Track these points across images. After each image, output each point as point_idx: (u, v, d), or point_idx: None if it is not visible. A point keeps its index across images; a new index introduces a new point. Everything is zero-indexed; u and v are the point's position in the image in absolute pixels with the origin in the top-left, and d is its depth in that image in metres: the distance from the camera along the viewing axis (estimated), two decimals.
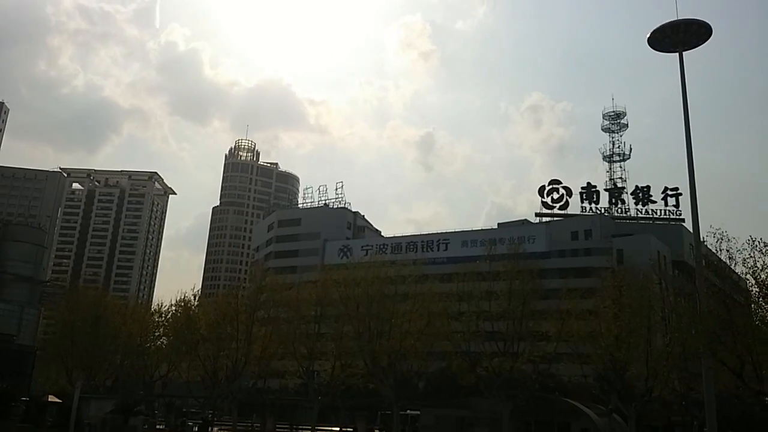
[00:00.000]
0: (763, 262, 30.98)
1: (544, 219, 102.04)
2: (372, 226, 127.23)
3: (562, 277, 62.02)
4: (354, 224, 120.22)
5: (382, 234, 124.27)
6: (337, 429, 56.41)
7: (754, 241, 31.45)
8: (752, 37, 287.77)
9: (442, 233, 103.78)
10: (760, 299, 31.90)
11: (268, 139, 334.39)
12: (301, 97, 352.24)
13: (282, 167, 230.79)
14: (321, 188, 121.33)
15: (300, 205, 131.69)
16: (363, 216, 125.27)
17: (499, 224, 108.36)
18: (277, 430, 57.23)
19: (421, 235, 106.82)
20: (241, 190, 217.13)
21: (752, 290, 33.51)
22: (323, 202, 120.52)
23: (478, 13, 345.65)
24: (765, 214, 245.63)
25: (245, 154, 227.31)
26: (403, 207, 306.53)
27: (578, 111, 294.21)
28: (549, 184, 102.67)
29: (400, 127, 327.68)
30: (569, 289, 44.72)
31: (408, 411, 55.48)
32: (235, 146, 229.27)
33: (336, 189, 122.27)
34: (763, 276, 30.96)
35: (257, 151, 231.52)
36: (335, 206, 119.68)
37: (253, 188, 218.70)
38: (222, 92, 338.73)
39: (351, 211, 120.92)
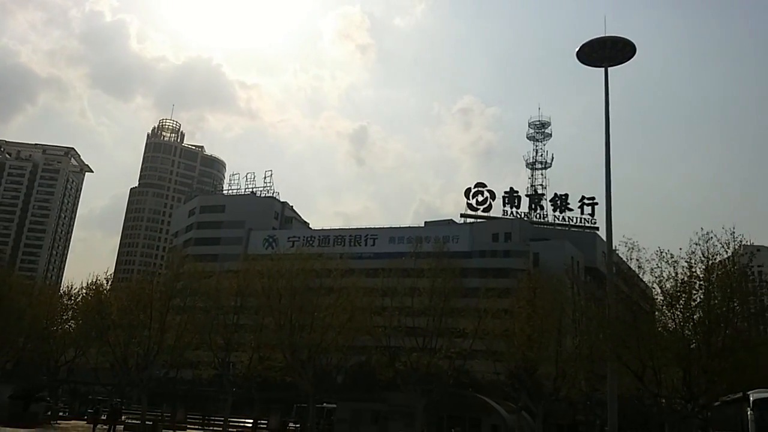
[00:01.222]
0: (669, 272, 32.94)
1: (469, 220, 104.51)
2: (300, 217, 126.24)
3: (482, 276, 63.56)
4: (281, 214, 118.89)
5: (310, 226, 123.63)
6: (251, 421, 55.76)
7: (662, 252, 33.38)
8: (674, 56, 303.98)
9: (370, 228, 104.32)
10: (664, 307, 33.90)
11: (193, 120, 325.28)
12: (231, 78, 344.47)
13: (208, 151, 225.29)
14: (248, 175, 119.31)
15: (225, 192, 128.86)
16: (291, 207, 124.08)
17: (426, 222, 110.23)
18: (189, 421, 56.08)
19: (349, 229, 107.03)
20: (162, 172, 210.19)
21: (657, 299, 35.62)
22: (250, 189, 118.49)
23: (417, 12, 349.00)
24: (676, 226, 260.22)
25: (169, 135, 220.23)
26: (332, 199, 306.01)
27: (507, 117, 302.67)
28: (475, 187, 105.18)
29: (334, 119, 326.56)
30: (488, 288, 46.02)
31: (324, 404, 55.57)
32: (158, 126, 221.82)
33: (264, 177, 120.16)
34: (668, 286, 32.90)
35: (182, 132, 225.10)
36: (262, 195, 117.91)
37: (176, 171, 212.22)
38: (147, 68, 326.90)
39: (279, 200, 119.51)
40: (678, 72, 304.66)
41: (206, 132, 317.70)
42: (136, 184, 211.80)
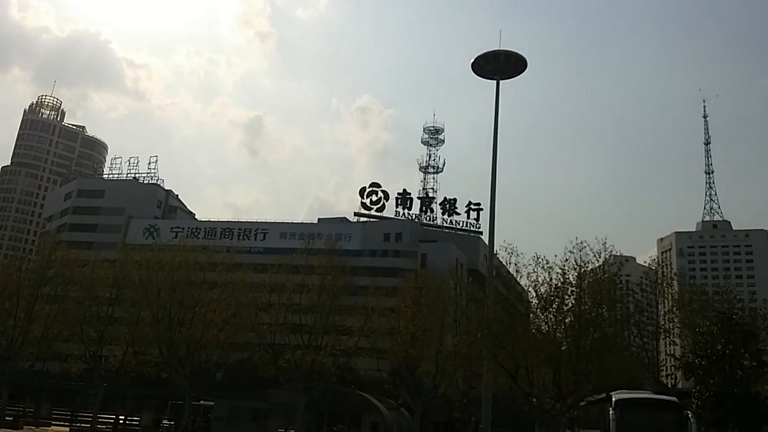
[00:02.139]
0: (544, 277, 34.67)
1: (362, 219, 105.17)
2: (185, 207, 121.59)
3: (372, 275, 64.29)
4: (165, 203, 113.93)
5: (196, 217, 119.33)
6: (122, 418, 53.08)
7: (538, 258, 35.08)
8: (561, 72, 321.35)
9: (261, 222, 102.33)
10: (538, 311, 35.65)
11: (75, 98, 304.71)
12: (119, 56, 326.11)
13: (89, 132, 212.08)
14: (132, 160, 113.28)
15: (105, 176, 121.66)
16: (176, 195, 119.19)
17: (319, 219, 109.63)
18: (55, 416, 52.65)
19: (238, 222, 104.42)
20: (38, 152, 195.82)
21: (533, 302, 37.40)
22: (132, 175, 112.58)
23: (320, 5, 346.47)
24: (554, 234, 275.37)
25: (48, 113, 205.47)
26: (222, 190, 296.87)
27: (404, 119, 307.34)
28: (370, 187, 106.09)
29: (227, 106, 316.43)
30: (376, 287, 46.47)
31: (201, 402, 53.90)
32: (37, 102, 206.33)
33: (149, 163, 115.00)
34: (542, 290, 34.63)
35: (62, 110, 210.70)
36: (146, 181, 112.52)
37: (53, 151, 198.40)
38: (27, 38, 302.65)
39: (163, 188, 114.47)
40: (564, 87, 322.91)
41: (89, 111, 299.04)
42: (8, 163, 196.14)
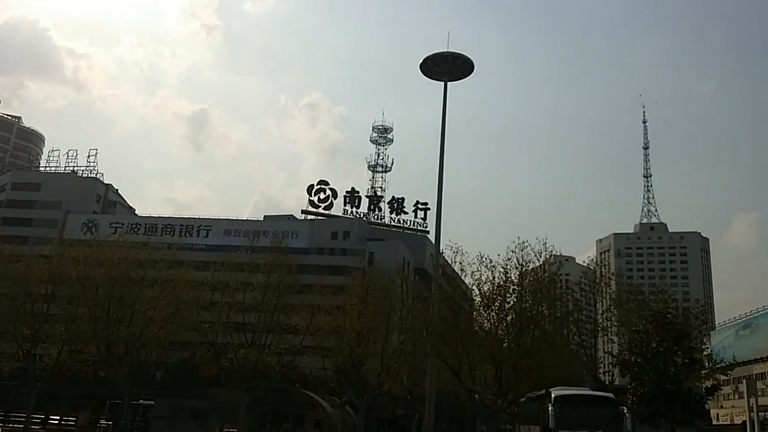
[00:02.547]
0: (487, 276, 35.22)
1: (310, 217, 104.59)
2: (125, 202, 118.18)
3: (319, 273, 64.01)
4: (104, 197, 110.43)
5: (137, 212, 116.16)
6: (57, 418, 51.35)
7: (482, 257, 35.60)
8: (511, 75, 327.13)
9: (204, 219, 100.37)
10: (481, 308, 36.18)
11: (11, 87, 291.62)
12: (58, 44, 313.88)
13: (26, 122, 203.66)
14: (70, 152, 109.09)
15: (42, 169, 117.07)
16: (116, 190, 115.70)
17: (265, 216, 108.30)
18: None
19: (181, 218, 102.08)
20: None
21: (476, 300, 37.96)
22: (71, 168, 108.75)
23: None
24: (497, 233, 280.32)
25: None
26: (164, 185, 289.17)
27: (353, 117, 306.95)
28: (318, 184, 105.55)
29: (171, 98, 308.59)
30: (323, 285, 46.28)
31: (141, 401, 52.60)
32: None
33: (88, 156, 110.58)
34: (485, 288, 35.13)
35: None
36: (84, 175, 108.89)
37: None
38: None
39: (103, 182, 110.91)
40: (512, 90, 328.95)
41: (25, 101, 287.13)
42: None
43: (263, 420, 55.92)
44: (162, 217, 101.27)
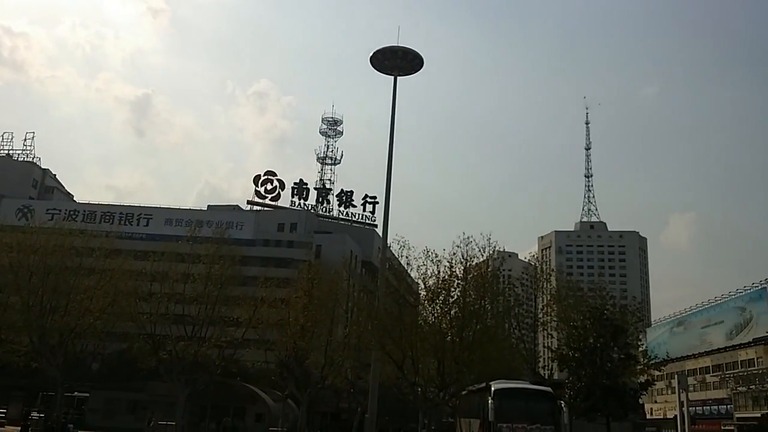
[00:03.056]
0: (433, 270, 35.51)
1: (256, 207, 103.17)
2: (63, 187, 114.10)
3: (263, 265, 63.24)
4: (41, 183, 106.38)
5: (75, 198, 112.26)
6: None
7: (428, 251, 35.87)
8: (462, 72, 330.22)
9: (145, 207, 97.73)
10: (426, 302, 36.47)
11: None
12: None
13: None
14: (5, 135, 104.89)
15: None
16: (54, 175, 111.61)
17: (209, 206, 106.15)
18: None
19: (121, 205, 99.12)
20: None
21: (421, 293, 38.23)
22: (6, 152, 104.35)
23: None
24: (443, 228, 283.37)
25: None
26: (104, 171, 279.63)
27: (302, 108, 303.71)
28: (264, 175, 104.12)
29: (113, 82, 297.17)
30: (267, 277, 45.67)
31: (75, 393, 50.92)
32: None
33: (25, 139, 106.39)
34: (430, 282, 35.44)
35: None
36: (20, 159, 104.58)
37: None
38: None
39: (40, 167, 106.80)
40: (462, 87, 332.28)
41: None
42: None
43: (203, 413, 55.01)
44: (101, 205, 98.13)
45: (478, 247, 35.97)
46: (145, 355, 41.83)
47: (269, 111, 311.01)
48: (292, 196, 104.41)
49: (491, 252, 37.19)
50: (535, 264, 65.85)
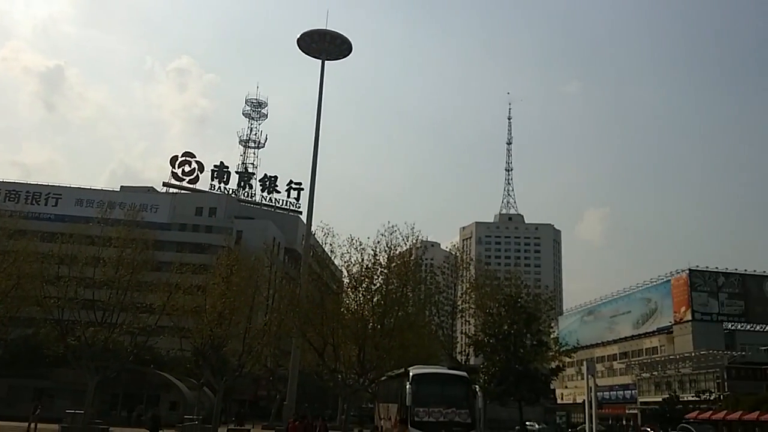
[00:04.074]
0: (357, 258, 35.52)
1: (172, 190, 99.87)
2: None
3: (179, 250, 61.29)
4: None
5: None
6: None
7: (352, 239, 35.83)
8: (392, 60, 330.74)
9: (54, 186, 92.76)
10: (349, 290, 36.48)
11: None
12: None
13: None
14: None
15: None
16: None
17: (122, 187, 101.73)
18: None
19: (27, 184, 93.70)
20: None
21: (344, 281, 38.19)
22: None
23: None
24: (369, 216, 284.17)
25: None
26: (9, 146, 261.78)
27: (226, 87, 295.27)
28: (182, 156, 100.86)
29: (22, 51, 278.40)
30: (183, 263, 44.24)
31: None
32: None
33: None
34: (354, 270, 35.44)
35: None
36: None
37: None
38: None
39: None
40: (393, 76, 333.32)
41: None
42: None
43: (114, 401, 53.23)
44: (6, 182, 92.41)
45: (402, 236, 36.29)
46: (51, 340, 39.74)
47: (190, 89, 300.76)
48: (212, 180, 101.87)
49: (415, 241, 37.58)
50: (456, 253, 67.19)
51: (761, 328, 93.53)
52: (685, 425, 47.15)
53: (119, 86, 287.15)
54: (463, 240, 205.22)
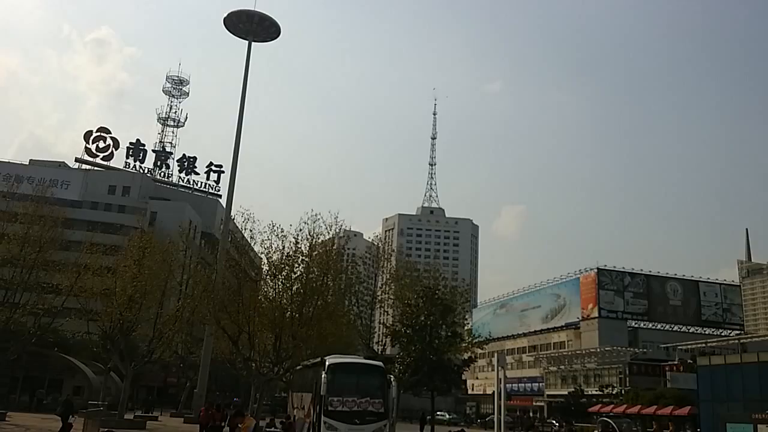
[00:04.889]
0: (278, 245, 34.98)
1: (85, 166, 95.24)
2: None
3: (90, 230, 58.54)
4: None
5: None
6: None
7: (273, 225, 35.26)
8: (318, 44, 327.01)
9: None
10: (268, 277, 35.91)
11: None
12: None
13: None
14: None
15: None
16: None
17: (31, 160, 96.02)
18: None
19: None
20: None
21: (264, 268, 37.59)
22: None
23: None
24: (294, 203, 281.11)
25: None
26: None
27: (147, 62, 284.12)
28: (97, 131, 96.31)
29: None
30: (93, 243, 42.31)
31: None
32: None
33: None
34: (274, 257, 34.88)
35: None
36: None
37: None
38: None
39: None
40: (320, 59, 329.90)
41: None
42: None
43: (13, 385, 50.69)
44: None
45: (325, 225, 36.01)
46: None
47: (108, 61, 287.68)
48: (127, 157, 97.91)
49: (338, 230, 37.43)
50: (378, 244, 67.51)
51: (662, 326, 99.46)
52: (605, 419, 49.49)
53: (32, 54, 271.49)
54: (386, 231, 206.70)
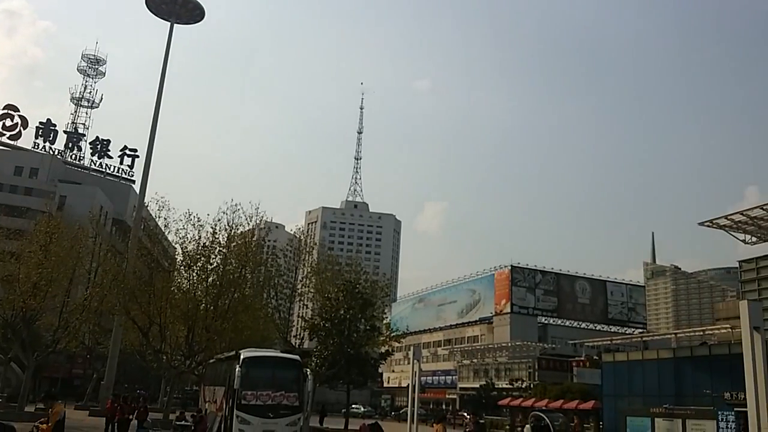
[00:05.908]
0: (194, 235, 34.09)
1: None
2: None
3: None
4: None
5: None
6: None
7: (190, 214, 34.33)
8: (242, 31, 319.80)
9: None
10: (182, 268, 34.94)
11: None
12: None
13: None
14: None
15: None
16: None
17: None
18: None
19: None
20: None
21: (178, 258, 36.54)
22: None
23: None
24: (215, 192, 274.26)
25: None
26: None
27: (62, 38, 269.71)
28: (4, 108, 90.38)
29: None
30: None
31: None
32: None
33: None
34: (190, 247, 34.04)
35: None
36: None
37: None
38: None
39: None
40: (245, 44, 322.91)
41: None
42: None
43: None
44: None
45: (245, 216, 35.42)
46: None
47: (19, 34, 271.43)
48: (36, 138, 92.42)
49: (258, 221, 36.85)
50: (300, 237, 66.92)
51: (570, 323, 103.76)
52: (538, 413, 50.78)
53: None
54: (309, 224, 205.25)
